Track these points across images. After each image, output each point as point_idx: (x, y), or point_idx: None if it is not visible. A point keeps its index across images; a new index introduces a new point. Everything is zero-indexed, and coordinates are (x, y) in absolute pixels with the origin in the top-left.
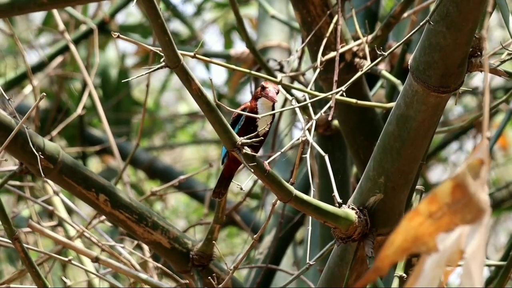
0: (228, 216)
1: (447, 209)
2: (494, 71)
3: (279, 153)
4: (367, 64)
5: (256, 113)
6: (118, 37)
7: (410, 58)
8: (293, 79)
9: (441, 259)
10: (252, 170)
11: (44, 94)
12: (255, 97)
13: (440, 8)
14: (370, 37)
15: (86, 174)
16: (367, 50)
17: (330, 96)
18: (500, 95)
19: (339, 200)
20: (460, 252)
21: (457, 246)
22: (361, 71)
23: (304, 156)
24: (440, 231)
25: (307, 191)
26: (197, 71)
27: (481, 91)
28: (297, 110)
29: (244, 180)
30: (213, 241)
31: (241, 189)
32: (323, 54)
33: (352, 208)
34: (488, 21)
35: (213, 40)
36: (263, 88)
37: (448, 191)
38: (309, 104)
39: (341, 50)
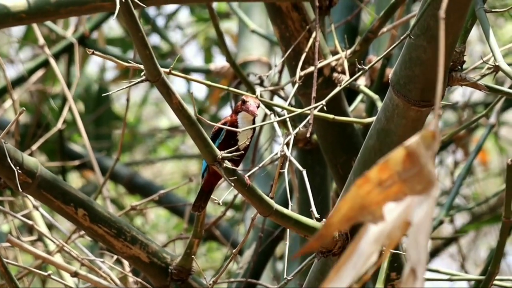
0: (208, 231)
1: (397, 178)
2: (474, 85)
3: (257, 167)
4: (345, 79)
5: (237, 127)
6: (93, 53)
7: (390, 72)
8: (273, 93)
9: (385, 229)
10: (233, 184)
11: (23, 109)
12: (236, 111)
13: (420, 22)
14: (348, 51)
15: (65, 189)
16: (345, 65)
17: (305, 111)
18: (480, 110)
19: (317, 215)
20: (406, 223)
21: (404, 216)
22: (340, 86)
23: (282, 171)
24: (388, 200)
25: (287, 206)
26: (178, 85)
27: (461, 106)
28: (275, 124)
29: (225, 194)
30: (192, 256)
31: (219, 204)
32: (302, 69)
33: None
34: (468, 35)
35: (193, 55)
36: (244, 102)
37: (400, 159)
38: (288, 119)
39: (319, 65)
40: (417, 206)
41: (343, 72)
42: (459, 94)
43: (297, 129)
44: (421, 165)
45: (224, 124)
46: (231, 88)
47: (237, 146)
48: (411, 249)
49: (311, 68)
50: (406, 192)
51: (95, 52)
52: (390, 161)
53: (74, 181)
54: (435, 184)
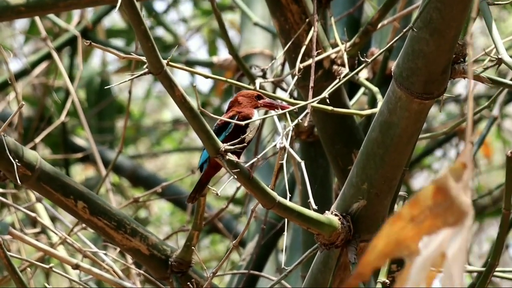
0: (211, 223)
1: (429, 213)
2: (477, 77)
3: (255, 158)
4: (345, 72)
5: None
6: (90, 44)
7: (393, 65)
8: (275, 85)
9: (426, 262)
10: (236, 177)
11: (23, 103)
12: (255, 106)
13: (423, 15)
14: (348, 44)
15: (65, 181)
16: (345, 57)
17: (306, 104)
18: (483, 103)
19: (315, 207)
20: (442, 255)
21: (440, 249)
22: (340, 78)
23: (281, 162)
24: (422, 235)
25: (291, 198)
26: (181, 78)
27: (464, 98)
28: (275, 117)
29: (226, 187)
30: (192, 248)
31: (217, 194)
32: (302, 61)
33: (335, 215)
34: (472, 27)
35: (198, 48)
36: (259, 97)
37: (429, 194)
38: (287, 112)
39: (318, 58)
40: (451, 238)
41: (343, 65)
42: (462, 86)
43: (295, 122)
44: (452, 198)
45: (233, 117)
46: (230, 80)
47: (241, 138)
48: (446, 282)
49: (310, 61)
50: (439, 226)
51: (93, 43)
52: (420, 197)
53: (78, 174)
54: (468, 214)
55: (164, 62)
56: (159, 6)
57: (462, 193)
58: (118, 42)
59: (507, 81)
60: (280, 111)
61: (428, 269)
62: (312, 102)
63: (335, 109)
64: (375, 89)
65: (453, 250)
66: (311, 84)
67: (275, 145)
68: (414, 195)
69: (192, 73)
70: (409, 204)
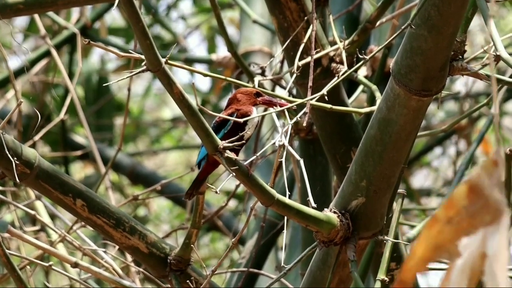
0: (211, 221)
1: (465, 213)
2: (475, 74)
3: (254, 156)
4: (344, 69)
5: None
6: (89, 43)
7: (391, 62)
8: (274, 83)
9: (466, 263)
10: (234, 174)
11: (21, 100)
12: (253, 103)
13: (421, 12)
14: (346, 42)
15: (63, 179)
16: (344, 55)
17: (304, 101)
18: (482, 100)
19: (314, 205)
20: (483, 255)
21: (480, 249)
22: (338, 76)
23: (280, 160)
24: (460, 236)
25: (290, 196)
26: (180, 75)
27: (463, 96)
28: (274, 115)
29: (226, 184)
30: (191, 246)
31: (216, 192)
32: (301, 59)
33: (334, 212)
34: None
35: (196, 45)
36: (258, 94)
37: (463, 194)
38: (286, 110)
39: (317, 56)
40: (490, 237)
41: (341, 62)
42: (461, 84)
43: (294, 119)
44: (486, 196)
45: (232, 114)
46: (228, 78)
47: (239, 136)
48: (490, 282)
49: (308, 59)
50: (476, 225)
51: (92, 42)
52: (454, 198)
53: (77, 172)
54: (505, 211)
55: (163, 60)
56: (158, 5)
57: (496, 191)
58: (117, 40)
59: (506, 78)
60: (279, 108)
61: (470, 271)
62: (311, 99)
63: (334, 107)
64: (374, 86)
65: (493, 249)
66: (310, 82)
67: (274, 143)
68: (448, 196)
69: (191, 71)
70: (444, 206)
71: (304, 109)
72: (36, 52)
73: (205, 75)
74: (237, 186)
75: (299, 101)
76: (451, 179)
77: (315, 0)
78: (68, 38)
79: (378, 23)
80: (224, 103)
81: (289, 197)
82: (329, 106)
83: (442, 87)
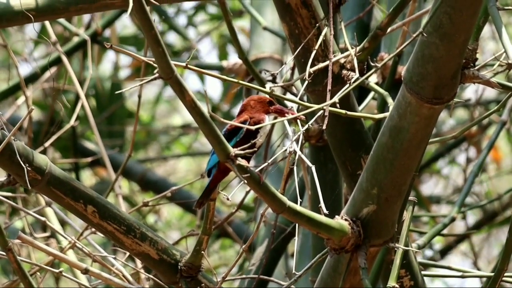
0: (221, 228)
1: None
2: (486, 82)
3: (266, 163)
4: (355, 76)
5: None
6: (111, 47)
7: (403, 70)
8: (285, 90)
9: None
10: (246, 182)
11: (32, 107)
12: (266, 111)
13: (433, 20)
14: (357, 49)
15: (74, 185)
16: (355, 62)
17: (319, 107)
18: (493, 107)
19: (326, 212)
20: None
21: None
22: (350, 83)
23: (291, 167)
24: None
25: (300, 203)
26: (191, 82)
27: (474, 103)
28: (285, 122)
29: (236, 192)
30: (202, 252)
31: (228, 199)
32: (312, 66)
33: (345, 219)
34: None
35: (207, 52)
36: (271, 103)
37: None
38: (296, 117)
39: (327, 63)
40: None
41: (352, 69)
42: (471, 91)
43: (307, 125)
44: None
45: (244, 122)
46: (243, 82)
47: (251, 143)
48: None
49: (321, 65)
50: None
51: (113, 46)
52: None
53: (88, 178)
54: None
55: (183, 64)
56: (174, 17)
57: None
58: (128, 48)
59: None
60: (291, 116)
61: None
62: (327, 105)
63: (349, 112)
64: (385, 93)
65: None
66: (329, 86)
67: (285, 150)
68: None
69: (206, 78)
70: None
71: (318, 114)
72: (47, 59)
73: (224, 80)
74: (247, 192)
75: (316, 106)
76: (461, 186)
77: (331, 5)
78: (79, 45)
79: (388, 30)
80: (235, 110)
81: (300, 204)
82: (344, 111)
83: (454, 95)
